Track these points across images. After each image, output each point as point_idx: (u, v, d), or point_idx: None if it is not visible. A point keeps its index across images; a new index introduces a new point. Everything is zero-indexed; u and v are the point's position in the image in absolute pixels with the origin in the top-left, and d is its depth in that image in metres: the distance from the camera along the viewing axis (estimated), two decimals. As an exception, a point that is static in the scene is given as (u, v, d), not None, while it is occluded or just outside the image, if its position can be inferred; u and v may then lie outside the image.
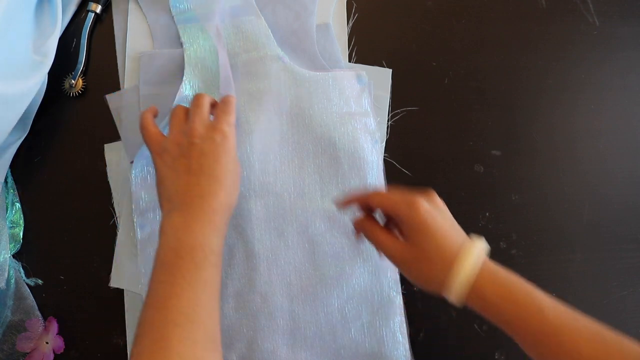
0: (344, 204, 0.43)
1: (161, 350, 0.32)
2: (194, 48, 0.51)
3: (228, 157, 0.40)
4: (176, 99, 0.49)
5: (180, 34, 0.52)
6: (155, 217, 0.49)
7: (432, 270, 0.37)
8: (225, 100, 0.43)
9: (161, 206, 0.40)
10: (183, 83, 0.50)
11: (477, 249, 0.36)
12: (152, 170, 0.49)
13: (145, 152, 0.47)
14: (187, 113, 0.43)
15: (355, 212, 0.44)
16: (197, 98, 0.42)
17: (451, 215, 0.39)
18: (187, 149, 0.40)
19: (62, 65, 0.52)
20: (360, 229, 0.43)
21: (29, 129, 0.52)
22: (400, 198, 0.39)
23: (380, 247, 0.41)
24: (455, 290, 0.36)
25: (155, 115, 0.45)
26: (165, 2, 0.53)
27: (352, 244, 0.49)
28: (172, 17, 0.53)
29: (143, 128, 0.42)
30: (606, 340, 0.31)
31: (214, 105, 0.44)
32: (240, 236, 0.49)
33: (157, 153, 0.41)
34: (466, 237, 0.38)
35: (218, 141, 0.40)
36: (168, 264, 0.36)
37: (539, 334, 0.33)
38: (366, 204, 0.42)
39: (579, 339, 0.32)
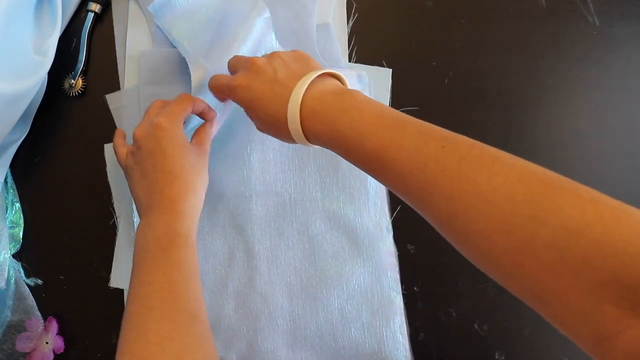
0: (216, 96, 0.45)
1: (139, 335, 0.33)
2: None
3: (174, 146, 0.41)
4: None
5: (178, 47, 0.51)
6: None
7: (279, 133, 0.38)
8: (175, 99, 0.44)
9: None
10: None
11: (293, 100, 0.36)
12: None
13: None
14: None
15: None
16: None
17: (276, 65, 0.38)
18: (138, 156, 0.42)
19: (62, 65, 0.52)
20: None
21: (29, 128, 0.52)
22: (222, 82, 0.41)
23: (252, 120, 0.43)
24: (299, 141, 0.37)
25: (124, 137, 0.47)
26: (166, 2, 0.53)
27: (353, 244, 0.49)
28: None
29: (115, 153, 0.45)
30: (425, 153, 0.30)
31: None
32: (241, 236, 0.49)
33: (124, 170, 0.44)
34: (294, 83, 0.37)
35: (159, 135, 0.41)
36: (140, 260, 0.37)
37: (366, 160, 0.33)
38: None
39: (400, 157, 0.31)
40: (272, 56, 0.40)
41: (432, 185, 0.29)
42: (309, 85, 0.36)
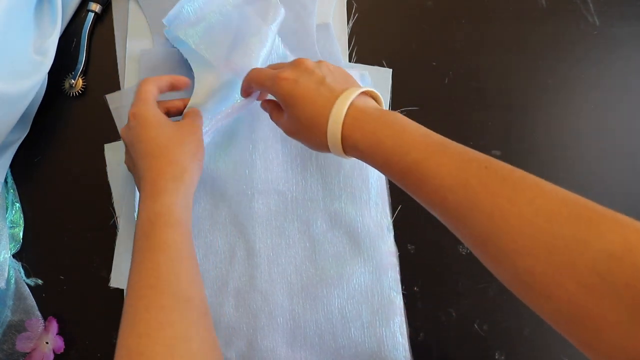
0: (245, 90, 0.45)
1: (132, 327, 0.33)
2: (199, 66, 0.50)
3: (147, 127, 0.42)
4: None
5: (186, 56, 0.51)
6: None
7: (312, 136, 0.38)
8: None
9: None
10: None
11: (339, 105, 0.36)
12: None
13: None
14: None
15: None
16: None
17: (324, 72, 0.39)
18: (128, 155, 0.44)
19: (62, 65, 0.52)
20: (264, 107, 0.46)
21: (29, 128, 0.52)
22: (266, 74, 0.41)
23: (276, 124, 0.44)
24: (333, 147, 0.37)
25: None
26: (166, 2, 0.53)
27: (353, 244, 0.49)
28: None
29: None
30: (467, 171, 0.30)
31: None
32: (242, 234, 0.49)
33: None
34: (340, 90, 0.37)
35: (133, 124, 0.42)
36: (132, 253, 0.37)
37: (405, 173, 0.33)
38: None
39: (441, 173, 0.31)
40: (320, 63, 0.40)
41: (472, 203, 0.29)
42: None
